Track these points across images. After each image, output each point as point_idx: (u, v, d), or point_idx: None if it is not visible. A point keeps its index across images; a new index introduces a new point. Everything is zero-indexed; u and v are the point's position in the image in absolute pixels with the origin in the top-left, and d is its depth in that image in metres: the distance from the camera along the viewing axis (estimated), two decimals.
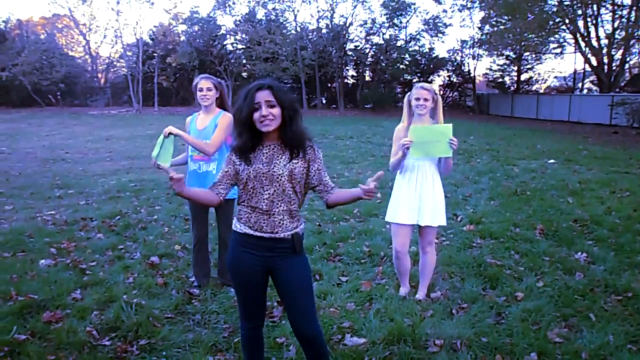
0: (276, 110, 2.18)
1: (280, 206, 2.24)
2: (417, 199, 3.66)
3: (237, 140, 2.27)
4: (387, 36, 34.16)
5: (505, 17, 26.66)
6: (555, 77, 36.02)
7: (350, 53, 34.87)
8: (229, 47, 35.46)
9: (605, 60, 24.18)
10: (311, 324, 2.32)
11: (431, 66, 35.24)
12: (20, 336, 3.10)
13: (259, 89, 2.19)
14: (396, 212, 3.73)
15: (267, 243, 2.26)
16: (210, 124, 3.83)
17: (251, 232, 2.26)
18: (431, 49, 35.18)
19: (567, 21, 24.40)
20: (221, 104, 3.96)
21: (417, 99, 3.63)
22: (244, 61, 34.28)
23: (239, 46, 35.16)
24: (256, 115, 2.18)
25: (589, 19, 24.10)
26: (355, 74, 37.12)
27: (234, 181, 2.34)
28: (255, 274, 2.31)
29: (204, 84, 3.81)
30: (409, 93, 3.77)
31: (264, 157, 2.25)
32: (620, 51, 24.10)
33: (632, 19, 22.32)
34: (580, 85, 31.82)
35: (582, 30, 24.48)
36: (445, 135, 3.46)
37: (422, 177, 3.67)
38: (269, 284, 2.41)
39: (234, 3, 33.95)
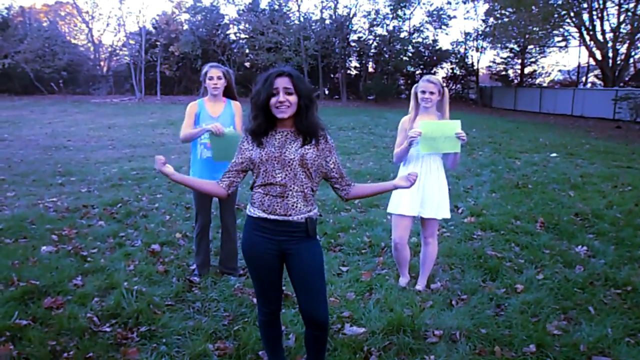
0: (293, 98, 2.22)
1: (293, 188, 2.26)
2: (421, 191, 3.65)
3: (251, 123, 2.31)
4: (390, 27, 33.85)
5: (510, 10, 26.47)
6: (559, 70, 35.75)
7: (353, 44, 34.60)
8: (232, 37, 35.24)
9: (610, 54, 24.02)
10: (322, 308, 2.35)
11: (434, 58, 34.97)
12: (21, 321, 3.13)
13: (279, 75, 2.22)
14: (399, 203, 3.72)
15: (280, 226, 2.28)
16: (225, 112, 3.89)
17: (265, 215, 2.29)
18: (435, 41, 34.89)
19: (572, 14, 24.22)
20: (227, 92, 3.98)
21: (423, 92, 3.61)
22: (247, 51, 34.06)
23: (242, 36, 34.94)
24: (273, 100, 2.21)
25: (594, 13, 23.92)
26: (358, 65, 36.88)
27: (243, 171, 2.38)
28: (269, 257, 2.34)
29: (214, 73, 3.83)
30: (415, 85, 3.75)
31: (276, 142, 2.28)
32: (625, 45, 23.92)
33: (638, 13, 22.15)
34: (584, 79, 31.66)
35: (587, 23, 24.31)
36: (454, 131, 3.47)
37: (426, 169, 3.66)
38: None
39: None
